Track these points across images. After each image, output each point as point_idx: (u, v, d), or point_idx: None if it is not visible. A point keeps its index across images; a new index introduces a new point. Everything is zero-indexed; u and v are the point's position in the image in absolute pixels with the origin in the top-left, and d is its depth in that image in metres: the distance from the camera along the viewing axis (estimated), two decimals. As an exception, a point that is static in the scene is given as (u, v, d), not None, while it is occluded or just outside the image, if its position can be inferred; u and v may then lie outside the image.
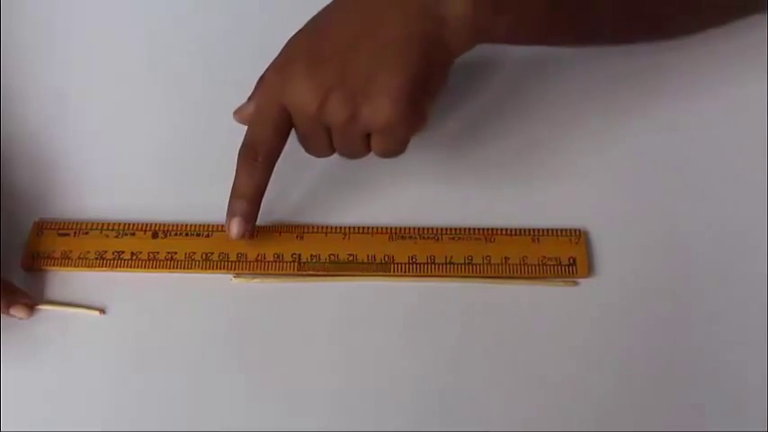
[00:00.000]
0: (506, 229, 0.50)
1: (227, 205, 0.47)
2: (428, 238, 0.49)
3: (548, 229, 0.50)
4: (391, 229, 0.50)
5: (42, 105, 0.55)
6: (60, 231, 0.50)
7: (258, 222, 0.48)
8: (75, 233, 0.50)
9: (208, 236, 0.50)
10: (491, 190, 0.51)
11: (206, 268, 0.49)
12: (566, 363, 0.46)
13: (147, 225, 0.50)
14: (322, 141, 0.46)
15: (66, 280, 0.49)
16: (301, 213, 0.51)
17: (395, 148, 0.46)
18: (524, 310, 0.48)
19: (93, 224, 0.50)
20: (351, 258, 0.49)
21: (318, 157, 0.48)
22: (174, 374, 0.47)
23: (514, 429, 0.45)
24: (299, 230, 0.50)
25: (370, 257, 0.49)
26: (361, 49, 0.43)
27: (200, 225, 0.50)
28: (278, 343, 0.47)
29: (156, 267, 0.49)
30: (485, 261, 0.49)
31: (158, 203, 0.51)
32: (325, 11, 0.46)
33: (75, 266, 0.49)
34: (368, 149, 0.46)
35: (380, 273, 0.49)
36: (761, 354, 0.46)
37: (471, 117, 0.54)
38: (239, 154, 0.46)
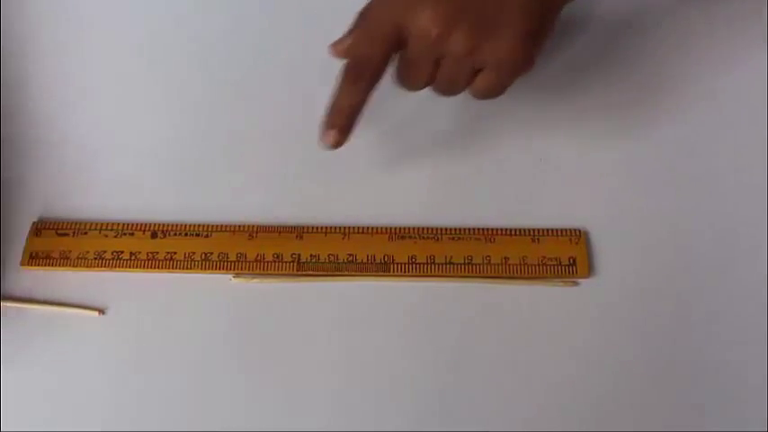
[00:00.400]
0: (506, 229, 0.50)
1: (325, 118, 0.46)
2: (428, 238, 0.49)
3: (548, 229, 0.49)
4: (391, 229, 0.50)
5: (42, 105, 0.55)
6: (59, 231, 0.50)
7: (257, 222, 0.48)
8: (73, 233, 0.50)
9: (207, 236, 0.50)
10: (491, 190, 0.51)
11: (205, 268, 0.49)
12: (566, 363, 0.46)
13: (146, 225, 0.50)
14: (426, 71, 0.46)
15: (64, 280, 0.49)
16: (301, 213, 0.51)
17: (499, 88, 0.46)
18: (524, 310, 0.48)
19: (91, 224, 0.50)
20: (350, 258, 0.49)
21: (410, 89, 0.47)
22: (174, 374, 0.46)
23: (514, 429, 0.45)
24: (298, 230, 0.50)
25: (369, 257, 0.49)
26: None
27: (199, 225, 0.50)
28: (278, 343, 0.47)
29: (155, 267, 0.49)
30: (485, 261, 0.49)
31: (157, 203, 0.51)
32: None
33: (73, 266, 0.49)
34: (467, 86, 0.46)
35: (380, 273, 0.49)
36: (761, 354, 0.46)
37: (470, 115, 0.54)
38: (343, 73, 0.45)
